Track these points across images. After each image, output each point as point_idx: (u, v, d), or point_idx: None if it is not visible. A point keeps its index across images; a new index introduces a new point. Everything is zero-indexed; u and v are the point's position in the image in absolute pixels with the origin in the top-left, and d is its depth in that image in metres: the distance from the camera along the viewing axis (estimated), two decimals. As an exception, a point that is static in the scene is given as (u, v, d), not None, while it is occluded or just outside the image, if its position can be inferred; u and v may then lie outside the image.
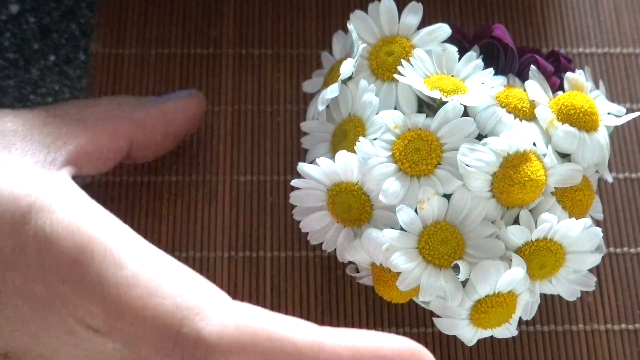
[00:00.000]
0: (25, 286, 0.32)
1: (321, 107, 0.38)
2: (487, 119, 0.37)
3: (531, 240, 0.36)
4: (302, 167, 0.37)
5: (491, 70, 0.38)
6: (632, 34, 0.48)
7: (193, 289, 0.32)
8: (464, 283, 0.36)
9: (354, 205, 0.37)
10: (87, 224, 0.33)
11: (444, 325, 0.37)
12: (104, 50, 0.46)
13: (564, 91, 0.39)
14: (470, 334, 0.37)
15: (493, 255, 0.36)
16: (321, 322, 0.37)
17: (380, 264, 0.36)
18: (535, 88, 0.38)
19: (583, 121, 0.37)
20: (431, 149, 0.36)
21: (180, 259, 0.36)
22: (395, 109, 0.38)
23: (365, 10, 0.39)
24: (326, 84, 0.39)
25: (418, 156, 0.36)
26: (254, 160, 0.44)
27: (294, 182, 0.38)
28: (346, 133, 0.38)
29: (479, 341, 0.38)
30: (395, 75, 0.37)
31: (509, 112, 0.37)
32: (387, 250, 0.35)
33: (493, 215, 0.36)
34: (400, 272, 0.35)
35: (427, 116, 0.37)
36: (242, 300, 0.34)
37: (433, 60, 0.38)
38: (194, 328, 0.31)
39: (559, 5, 0.48)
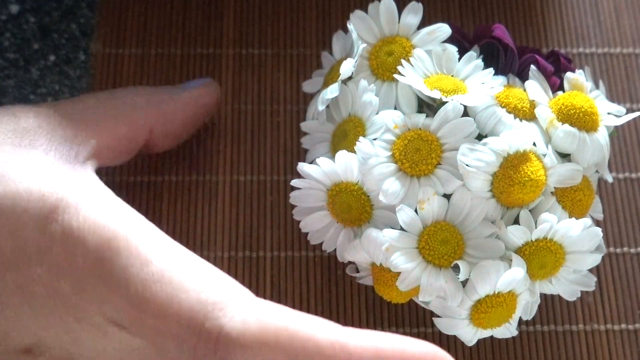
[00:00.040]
0: (51, 281, 0.33)
1: (321, 107, 0.38)
2: (487, 119, 0.37)
3: (531, 240, 0.36)
4: (302, 167, 0.37)
5: (491, 70, 0.38)
6: (632, 34, 0.48)
7: (216, 286, 0.32)
8: (464, 283, 0.36)
9: (354, 205, 0.37)
10: (112, 221, 0.33)
11: (444, 325, 0.37)
12: (104, 50, 0.46)
13: (564, 91, 0.39)
14: (470, 334, 0.37)
15: (493, 255, 0.36)
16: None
17: (380, 264, 0.36)
18: (535, 88, 0.38)
19: (583, 121, 0.37)
20: (431, 149, 0.36)
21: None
22: (395, 109, 0.38)
23: (365, 10, 0.39)
24: (326, 84, 0.39)
25: (418, 156, 0.36)
26: (254, 160, 0.44)
27: (294, 182, 0.38)
28: (346, 133, 0.38)
29: (479, 341, 0.38)
30: (395, 75, 0.37)
31: (509, 112, 0.37)
32: (387, 250, 0.35)
33: (493, 215, 0.36)
34: (400, 272, 0.35)
35: (427, 116, 0.37)
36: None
37: (433, 60, 0.38)
38: (217, 324, 0.31)
39: (559, 5, 0.49)
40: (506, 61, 0.39)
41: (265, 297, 0.41)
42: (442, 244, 0.35)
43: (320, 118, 0.39)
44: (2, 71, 0.45)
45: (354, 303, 0.42)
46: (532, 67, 0.38)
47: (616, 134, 0.43)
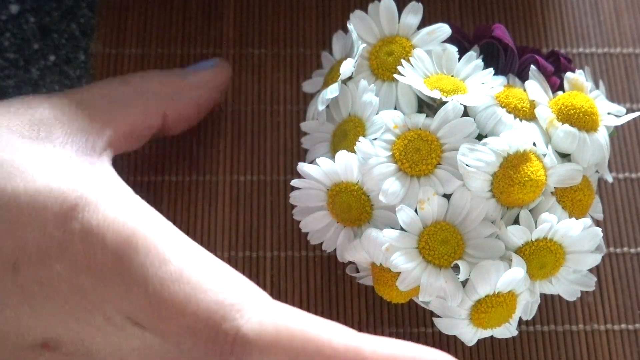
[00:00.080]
0: (71, 278, 0.33)
1: (321, 107, 0.38)
2: (487, 119, 0.37)
3: (531, 240, 0.36)
4: (302, 167, 0.37)
5: (491, 70, 0.38)
6: (632, 34, 0.48)
7: (234, 287, 0.32)
8: (464, 283, 0.36)
9: (354, 205, 0.37)
10: (132, 219, 0.33)
11: (444, 325, 0.37)
12: (104, 50, 0.46)
13: (564, 91, 0.39)
14: (470, 334, 0.37)
15: (493, 255, 0.36)
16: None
17: (380, 264, 0.36)
18: (535, 88, 0.38)
19: (583, 121, 0.37)
20: (431, 149, 0.36)
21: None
22: (395, 109, 0.38)
23: (365, 10, 0.39)
24: (326, 84, 0.39)
25: (418, 156, 0.36)
26: (254, 160, 0.44)
27: (294, 182, 0.38)
28: (346, 133, 0.38)
29: (479, 341, 0.38)
30: (395, 75, 0.37)
31: (509, 112, 0.37)
32: (387, 250, 0.35)
33: (493, 215, 0.36)
34: (400, 272, 0.35)
35: (427, 116, 0.37)
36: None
37: (433, 60, 0.38)
38: (234, 325, 0.31)
39: (559, 5, 0.49)
40: (506, 61, 0.39)
41: (265, 297, 0.41)
42: (442, 244, 0.35)
43: (320, 118, 0.39)
44: (2, 71, 0.45)
45: (354, 303, 0.42)
46: (532, 67, 0.38)
47: (616, 134, 0.43)
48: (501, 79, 0.38)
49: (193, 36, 0.47)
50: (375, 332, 0.41)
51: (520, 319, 0.38)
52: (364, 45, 0.39)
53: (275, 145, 0.45)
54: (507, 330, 0.37)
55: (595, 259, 0.37)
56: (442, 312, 0.36)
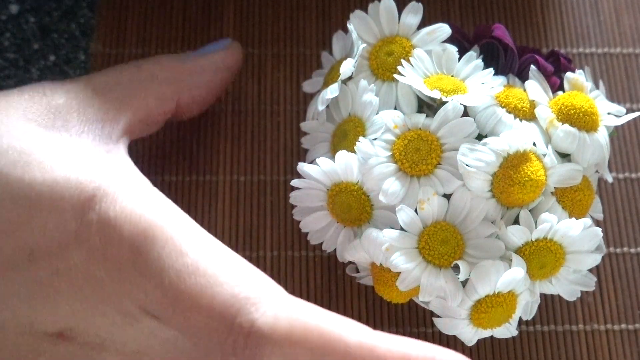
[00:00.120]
0: (87, 269, 0.33)
1: (321, 107, 0.38)
2: (487, 119, 0.37)
3: (531, 240, 0.36)
4: (302, 167, 0.37)
5: (491, 70, 0.38)
6: (632, 34, 0.48)
7: (250, 281, 0.32)
8: (464, 283, 0.36)
9: (354, 205, 0.37)
10: (149, 211, 0.33)
11: (444, 325, 0.37)
12: (104, 50, 0.46)
13: (564, 91, 0.39)
14: (470, 334, 0.37)
15: (493, 255, 0.36)
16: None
17: (380, 264, 0.36)
18: (535, 88, 0.38)
19: (583, 121, 0.37)
20: (431, 149, 0.36)
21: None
22: (395, 109, 0.38)
23: (365, 10, 0.39)
24: (326, 84, 0.39)
25: (418, 156, 0.36)
26: (254, 160, 0.44)
27: (294, 182, 0.38)
28: (346, 133, 0.38)
29: (479, 341, 0.38)
30: (395, 75, 0.37)
31: (509, 112, 0.37)
32: (387, 250, 0.35)
33: (493, 215, 0.36)
34: (400, 272, 0.35)
35: (427, 116, 0.37)
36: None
37: (433, 60, 0.38)
38: (248, 318, 0.31)
39: (559, 5, 0.49)
40: (506, 61, 0.39)
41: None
42: (442, 244, 0.35)
43: (320, 118, 0.39)
44: (2, 71, 0.45)
45: (354, 303, 0.42)
46: (532, 67, 0.38)
47: (616, 134, 0.43)
48: (501, 79, 0.38)
49: (193, 36, 0.47)
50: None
51: (520, 319, 0.38)
52: (364, 45, 0.39)
53: (275, 145, 0.45)
54: (507, 330, 0.37)
55: (595, 259, 0.37)
56: (442, 312, 0.36)
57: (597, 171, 0.39)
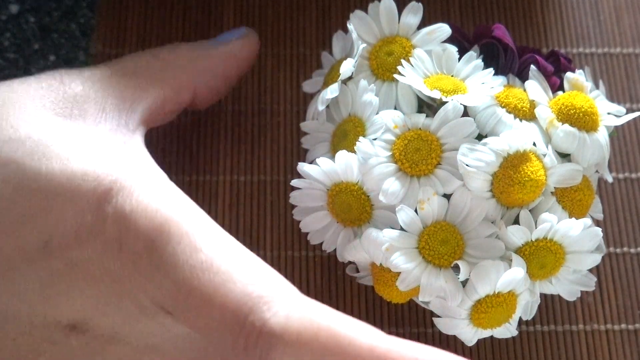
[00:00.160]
0: (102, 262, 0.33)
1: (321, 107, 0.38)
2: (487, 119, 0.37)
3: (531, 240, 0.36)
4: (302, 167, 0.37)
5: (491, 70, 0.38)
6: (632, 34, 0.48)
7: (264, 279, 0.32)
8: (464, 283, 0.36)
9: (354, 205, 0.37)
10: (165, 206, 0.33)
11: (444, 325, 0.37)
12: (104, 50, 0.46)
13: (564, 91, 0.39)
14: (470, 334, 0.37)
15: (493, 255, 0.36)
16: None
17: (380, 264, 0.36)
18: (535, 88, 0.38)
19: (583, 121, 0.37)
20: (431, 149, 0.36)
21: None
22: (395, 109, 0.38)
23: (365, 10, 0.39)
24: (326, 84, 0.39)
25: (418, 156, 0.36)
26: (254, 160, 0.44)
27: (294, 182, 0.38)
28: (346, 133, 0.38)
29: (479, 341, 0.38)
30: (395, 75, 0.37)
31: (509, 112, 0.37)
32: (387, 250, 0.35)
33: (493, 215, 0.36)
34: (400, 272, 0.35)
35: (427, 116, 0.37)
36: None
37: (433, 60, 0.38)
38: (261, 317, 0.31)
39: (559, 5, 0.49)
40: (506, 61, 0.39)
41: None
42: (442, 244, 0.35)
43: (320, 118, 0.39)
44: (2, 71, 0.45)
45: (354, 303, 0.42)
46: (532, 67, 0.38)
47: (616, 134, 0.43)
48: (501, 79, 0.38)
49: (193, 36, 0.47)
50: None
51: (520, 319, 0.38)
52: (364, 45, 0.39)
53: (275, 145, 0.45)
54: (507, 330, 0.37)
55: (595, 259, 0.37)
56: (442, 312, 0.36)
57: (597, 171, 0.39)
